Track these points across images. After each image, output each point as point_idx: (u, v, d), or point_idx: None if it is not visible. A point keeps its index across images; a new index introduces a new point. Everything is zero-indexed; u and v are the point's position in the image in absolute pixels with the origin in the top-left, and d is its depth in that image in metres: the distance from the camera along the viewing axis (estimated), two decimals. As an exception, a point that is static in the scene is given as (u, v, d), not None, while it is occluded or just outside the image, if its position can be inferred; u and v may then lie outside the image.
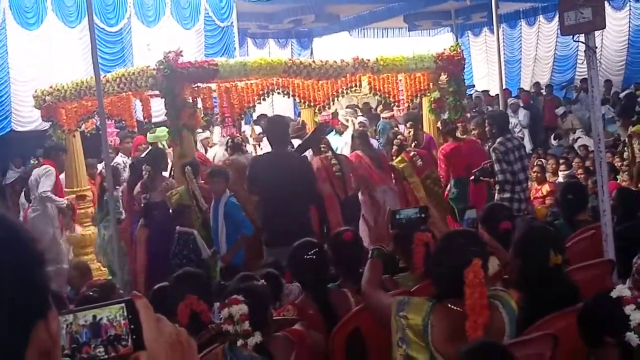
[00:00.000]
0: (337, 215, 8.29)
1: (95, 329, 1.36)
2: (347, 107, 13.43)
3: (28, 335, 1.18)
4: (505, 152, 8.38)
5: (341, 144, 10.93)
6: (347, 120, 11.49)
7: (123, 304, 1.36)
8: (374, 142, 11.19)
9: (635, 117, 12.97)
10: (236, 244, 7.79)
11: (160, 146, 10.55)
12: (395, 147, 9.48)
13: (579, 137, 14.89)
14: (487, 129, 8.98)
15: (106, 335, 1.35)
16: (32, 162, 10.86)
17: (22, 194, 10.92)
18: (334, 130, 11.90)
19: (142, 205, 8.16)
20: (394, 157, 9.49)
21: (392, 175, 9.41)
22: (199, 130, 10.64)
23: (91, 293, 5.05)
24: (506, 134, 8.77)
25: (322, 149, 8.87)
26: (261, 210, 7.48)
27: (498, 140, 8.52)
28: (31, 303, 1.19)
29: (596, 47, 5.37)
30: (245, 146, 9.67)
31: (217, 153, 10.24)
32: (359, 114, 13.44)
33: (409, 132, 10.48)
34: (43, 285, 1.22)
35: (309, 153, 8.81)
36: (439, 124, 10.46)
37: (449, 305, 3.27)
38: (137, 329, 1.34)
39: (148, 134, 11.41)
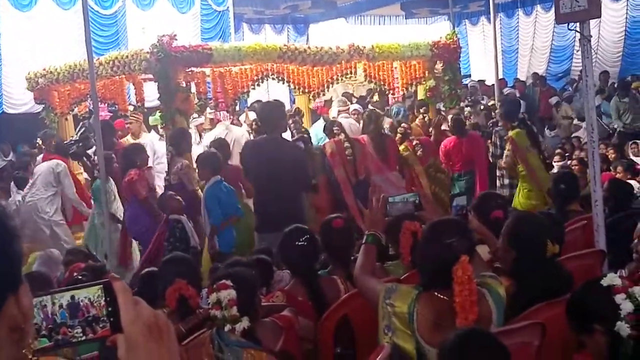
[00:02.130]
0: (352, 200, 8.22)
1: (73, 309, 1.35)
2: (343, 95, 13.37)
3: None
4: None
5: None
6: (338, 112, 11.31)
7: (101, 286, 1.35)
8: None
9: None
10: (210, 233, 7.39)
11: (161, 130, 10.44)
12: (399, 135, 9.39)
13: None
14: (497, 111, 8.99)
15: (85, 315, 1.34)
16: (36, 146, 10.66)
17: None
18: (321, 119, 11.64)
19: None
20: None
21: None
22: (194, 115, 10.59)
23: (80, 277, 5.02)
24: (515, 121, 8.76)
25: (335, 131, 8.80)
26: (254, 195, 7.44)
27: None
28: (1, 276, 1.17)
29: (591, 37, 5.33)
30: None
31: (243, 135, 10.04)
32: (350, 102, 13.30)
33: (424, 117, 10.46)
34: (14, 259, 1.20)
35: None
36: (436, 118, 10.43)
37: (435, 294, 3.25)
38: (114, 311, 1.33)
39: (150, 117, 11.37)
